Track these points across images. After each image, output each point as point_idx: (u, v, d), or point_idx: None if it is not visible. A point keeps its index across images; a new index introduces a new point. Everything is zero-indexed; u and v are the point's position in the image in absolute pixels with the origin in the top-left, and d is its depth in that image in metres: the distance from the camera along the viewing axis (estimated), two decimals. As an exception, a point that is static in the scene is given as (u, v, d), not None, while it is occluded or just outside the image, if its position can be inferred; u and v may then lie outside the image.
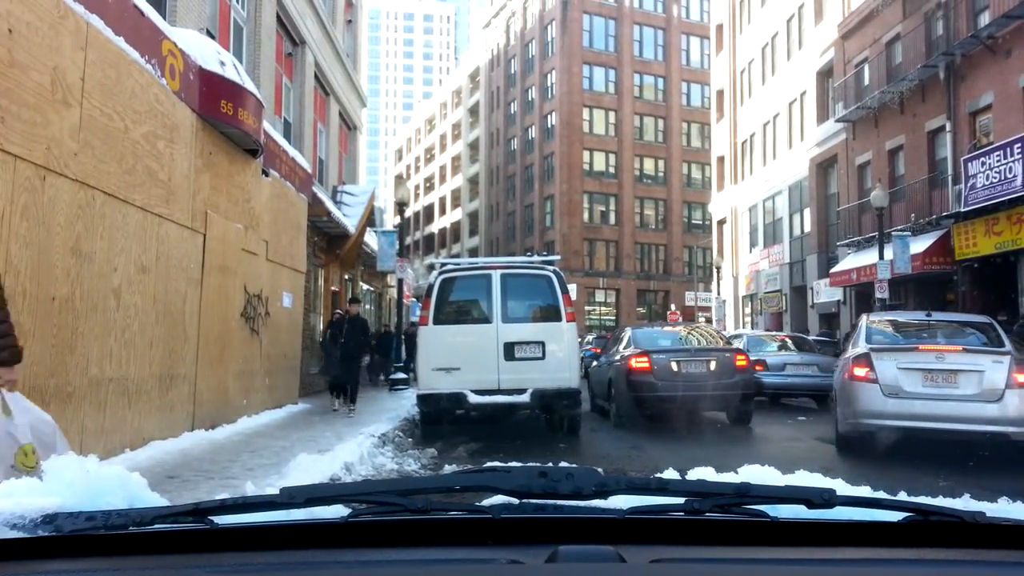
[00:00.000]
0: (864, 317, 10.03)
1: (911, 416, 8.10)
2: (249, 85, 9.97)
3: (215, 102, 9.16)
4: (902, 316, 11.99)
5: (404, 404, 13.30)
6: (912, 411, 8.08)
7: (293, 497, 1.26)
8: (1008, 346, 8.50)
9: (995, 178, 16.75)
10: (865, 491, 1.50)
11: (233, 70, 9.58)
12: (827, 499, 1.26)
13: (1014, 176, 16.12)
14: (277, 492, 1.28)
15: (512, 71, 59.71)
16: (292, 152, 13.77)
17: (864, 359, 8.48)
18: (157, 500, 1.48)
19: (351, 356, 12.46)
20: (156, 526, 1.23)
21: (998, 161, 16.67)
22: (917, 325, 9.73)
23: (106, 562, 1.19)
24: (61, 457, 1.54)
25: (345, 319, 12.70)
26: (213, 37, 11.48)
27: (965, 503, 1.46)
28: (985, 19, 18.32)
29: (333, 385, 13.11)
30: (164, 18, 8.81)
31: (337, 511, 1.29)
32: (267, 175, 11.69)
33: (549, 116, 53.98)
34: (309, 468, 6.44)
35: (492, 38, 64.16)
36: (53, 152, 5.98)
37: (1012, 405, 7.80)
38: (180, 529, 1.24)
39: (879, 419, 8.27)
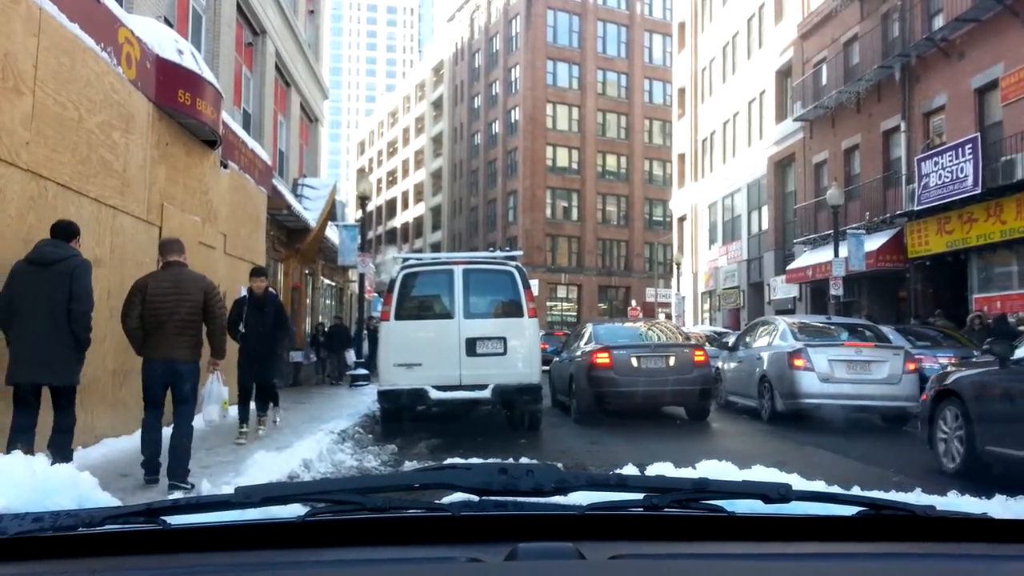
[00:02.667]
0: (781, 319, 12.99)
1: (839, 396, 10.62)
2: (208, 75, 9.80)
3: (172, 92, 8.98)
4: (807, 318, 15.09)
5: (364, 400, 13.21)
6: (840, 392, 10.64)
7: (249, 496, 1.24)
8: (901, 343, 11.86)
9: (947, 178, 17.15)
10: (820, 486, 1.52)
11: (191, 59, 9.41)
12: (783, 494, 1.28)
13: (965, 176, 16.52)
14: (233, 491, 1.26)
15: (476, 65, 59.57)
16: (251, 144, 13.57)
17: (801, 353, 10.91)
18: (108, 500, 1.45)
19: (258, 352, 8.58)
20: (107, 527, 1.20)
21: (950, 161, 17.07)
22: (820, 326, 12.59)
23: (54, 565, 1.16)
24: (6, 457, 1.50)
25: (245, 300, 8.81)
26: (171, 25, 11.26)
27: (917, 497, 1.49)
28: (939, 22, 18.72)
29: (242, 399, 8.65)
30: (120, 5, 8.60)
31: (294, 510, 1.27)
32: (226, 167, 11.51)
33: (513, 111, 53.97)
34: (267, 466, 6.36)
35: (456, 32, 63.92)
36: (4, 141, 5.81)
37: (906, 386, 10.49)
38: (132, 530, 1.22)
39: (816, 399, 10.69)
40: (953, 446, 7.02)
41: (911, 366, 10.76)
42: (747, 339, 13.53)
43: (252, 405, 8.93)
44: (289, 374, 8.15)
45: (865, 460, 8.07)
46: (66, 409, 5.50)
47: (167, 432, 5.98)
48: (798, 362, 10.82)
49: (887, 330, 13.75)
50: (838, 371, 10.70)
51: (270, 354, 8.97)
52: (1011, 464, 6.37)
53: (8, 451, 4.96)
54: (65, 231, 5.57)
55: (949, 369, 7.95)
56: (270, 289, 8.96)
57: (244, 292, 9.82)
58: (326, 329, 20.99)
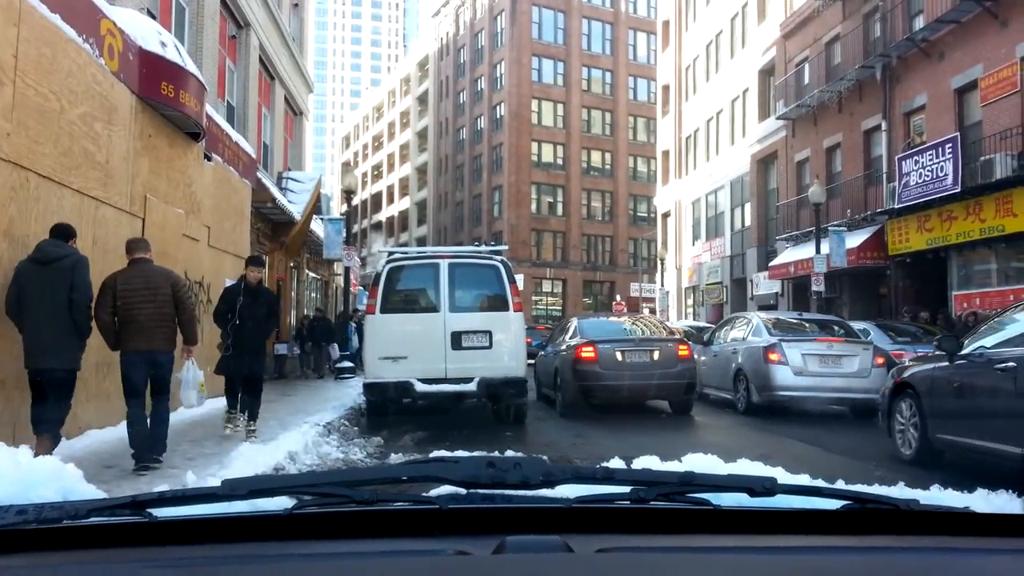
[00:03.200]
0: (756, 314, 13.62)
1: (812, 388, 11.10)
2: (191, 67, 9.72)
3: (155, 84, 8.91)
4: (782, 314, 15.70)
5: (350, 393, 13.18)
6: (813, 384, 11.10)
7: (235, 489, 1.23)
8: (869, 338, 12.42)
9: (927, 176, 17.30)
10: (804, 479, 1.53)
11: (175, 51, 9.33)
12: (768, 487, 1.29)
13: (945, 175, 16.67)
14: (219, 484, 1.26)
15: (461, 61, 59.42)
16: (236, 136, 13.48)
17: (776, 347, 11.35)
18: (93, 492, 1.44)
19: (250, 343, 7.96)
20: (92, 519, 1.19)
21: (930, 160, 17.21)
22: (792, 322, 13.01)
23: (39, 558, 1.15)
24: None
25: (241, 289, 8.02)
26: (154, 17, 11.16)
27: (900, 491, 1.51)
28: (920, 23, 18.86)
29: (229, 388, 8.39)
30: (102, -5, 8.51)
31: (281, 503, 1.27)
32: (209, 159, 11.43)
33: (498, 107, 53.89)
34: (252, 458, 6.33)
35: (442, 27, 63.71)
36: (-17, 132, 5.75)
37: (875, 379, 10.59)
38: (117, 523, 1.21)
39: (790, 391, 11.15)
40: (909, 435, 7.47)
41: (880, 360, 11.12)
42: (722, 334, 13.86)
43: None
44: (273, 368, 7.62)
45: (832, 449, 8.52)
46: (62, 398, 5.87)
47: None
48: (773, 356, 11.28)
49: (867, 325, 14.17)
50: (811, 365, 11.18)
51: (261, 346, 8.35)
52: (959, 450, 6.88)
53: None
54: (64, 232, 6.05)
55: (907, 363, 8.31)
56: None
57: (228, 282, 9.40)
58: (309, 322, 20.65)
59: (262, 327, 8.15)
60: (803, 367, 11.13)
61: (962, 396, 6.83)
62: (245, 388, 8.22)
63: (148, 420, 6.36)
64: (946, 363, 7.01)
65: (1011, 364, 6.04)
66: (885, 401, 7.99)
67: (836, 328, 12.53)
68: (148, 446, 6.19)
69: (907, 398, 7.53)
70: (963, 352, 6.82)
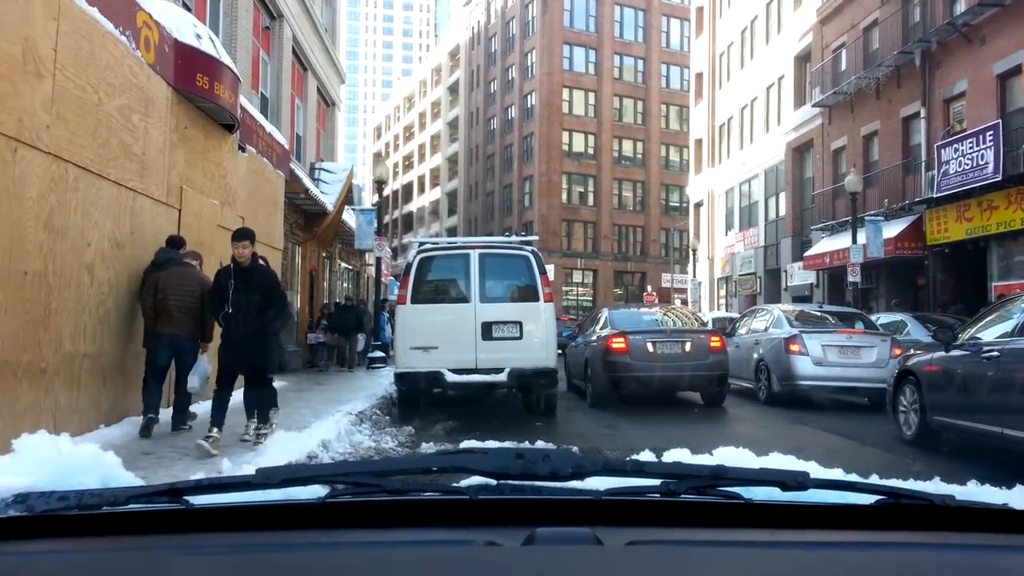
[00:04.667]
0: (776, 307, 14.39)
1: (832, 378, 11.50)
2: (225, 59, 9.82)
3: (191, 76, 9.00)
4: (802, 306, 15.72)
5: (382, 383, 13.28)
6: (832, 374, 11.49)
7: (269, 477, 1.25)
8: (907, 330, 12.95)
9: (967, 165, 16.94)
10: (838, 474, 1.52)
11: (209, 43, 9.42)
12: (800, 482, 1.28)
13: (986, 163, 16.31)
14: (253, 472, 1.28)
15: (492, 50, 59.31)
16: (269, 128, 13.60)
17: (797, 339, 11.72)
18: (132, 479, 1.47)
19: (244, 335, 6.78)
20: (130, 506, 1.22)
21: (971, 148, 16.85)
22: (812, 314, 13.37)
23: (79, 543, 1.18)
24: (32, 436, 1.52)
25: (231, 270, 6.91)
26: (189, 9, 11.28)
27: (936, 486, 1.49)
28: (961, 7, 18.44)
29: (218, 393, 6.85)
30: (138, -11, 8.62)
31: (314, 492, 1.29)
32: (243, 151, 11.55)
33: (529, 96, 53.74)
34: (286, 446, 6.42)
35: (473, 16, 63.62)
36: (25, 124, 5.86)
37: (892, 370, 10.38)
38: (155, 509, 1.23)
39: (811, 381, 11.48)
40: (910, 417, 8.10)
41: (897, 351, 11.22)
42: (743, 325, 14.21)
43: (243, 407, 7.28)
44: (287, 362, 6.82)
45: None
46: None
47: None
48: (794, 347, 11.65)
49: (905, 317, 14.15)
50: (830, 355, 11.54)
51: (260, 337, 6.91)
52: (953, 431, 7.50)
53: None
54: (175, 243, 7.96)
55: (911, 352, 8.85)
56: (260, 257, 7.13)
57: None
58: (331, 310, 19.03)
59: (259, 315, 6.87)
60: (823, 358, 11.50)
61: (954, 382, 7.43)
62: (248, 385, 7.20)
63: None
64: (942, 352, 7.64)
65: (995, 353, 6.69)
66: (891, 387, 8.66)
67: (856, 320, 12.87)
68: (181, 408, 7.60)
69: (909, 384, 8.17)
70: (957, 342, 7.46)
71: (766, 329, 12.85)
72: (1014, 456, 6.47)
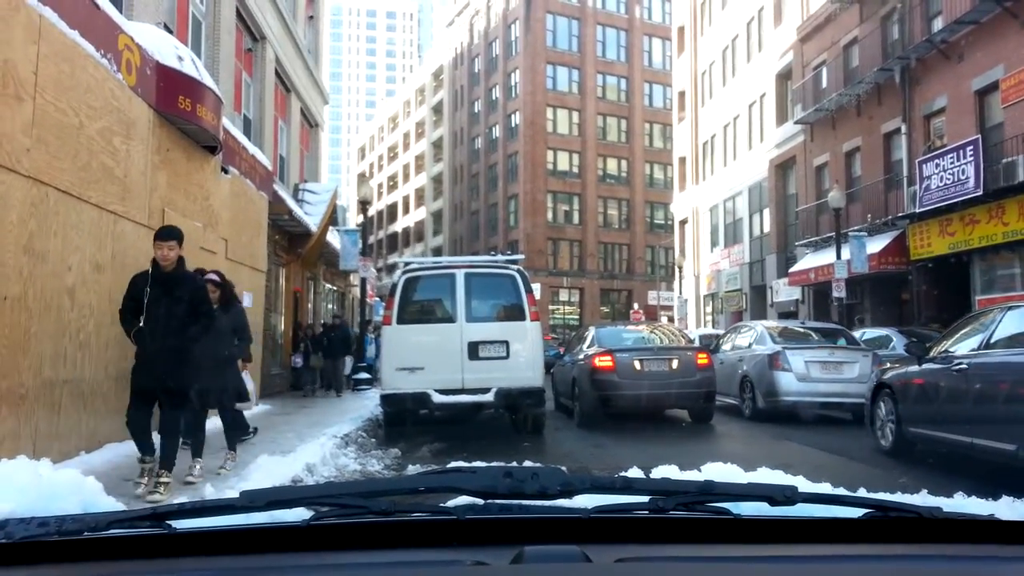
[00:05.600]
0: (760, 323, 14.51)
1: (814, 393, 11.65)
2: (208, 81, 9.82)
3: (173, 98, 8.99)
4: (785, 323, 16.17)
5: (367, 404, 13.21)
6: (815, 390, 11.66)
7: (254, 500, 1.23)
8: (891, 345, 13.25)
9: (949, 180, 17.15)
10: (826, 488, 1.52)
11: (191, 65, 9.42)
12: (789, 496, 1.27)
13: (967, 178, 16.51)
14: (237, 495, 1.26)
15: (476, 70, 59.65)
16: (252, 149, 13.58)
17: (780, 355, 11.89)
18: (113, 504, 1.45)
19: (163, 356, 5.61)
20: (112, 531, 1.20)
21: (951, 163, 17.06)
22: (795, 330, 13.59)
23: (60, 569, 1.16)
24: (11, 461, 1.50)
25: (149, 276, 5.78)
26: (171, 32, 11.28)
27: (923, 499, 1.49)
28: (939, 24, 18.73)
29: (134, 419, 5.76)
30: (120, 12, 8.62)
31: (299, 514, 1.27)
32: (226, 172, 11.52)
33: (513, 115, 54.03)
34: (270, 470, 6.36)
35: (456, 36, 64.02)
36: (4, 147, 5.82)
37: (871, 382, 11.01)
38: (137, 534, 1.21)
39: (794, 396, 11.63)
40: (887, 429, 8.33)
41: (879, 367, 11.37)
42: (727, 342, 14.37)
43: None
44: (246, 392, 6.24)
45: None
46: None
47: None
48: (777, 363, 11.86)
49: (889, 332, 14.30)
50: (813, 371, 11.74)
51: (181, 355, 5.71)
52: (926, 441, 7.70)
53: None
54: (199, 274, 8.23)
55: (887, 366, 9.07)
56: (202, 270, 6.70)
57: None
58: (314, 333, 17.81)
59: (182, 328, 5.70)
60: (806, 373, 11.69)
61: (927, 394, 7.73)
62: (164, 413, 5.84)
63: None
64: (916, 366, 7.89)
65: (964, 366, 6.91)
66: (868, 400, 8.90)
67: (837, 336, 13.13)
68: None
69: (885, 397, 8.43)
70: (929, 356, 7.70)
71: (750, 345, 13.05)
72: (984, 465, 6.68)
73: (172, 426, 5.88)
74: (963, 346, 7.29)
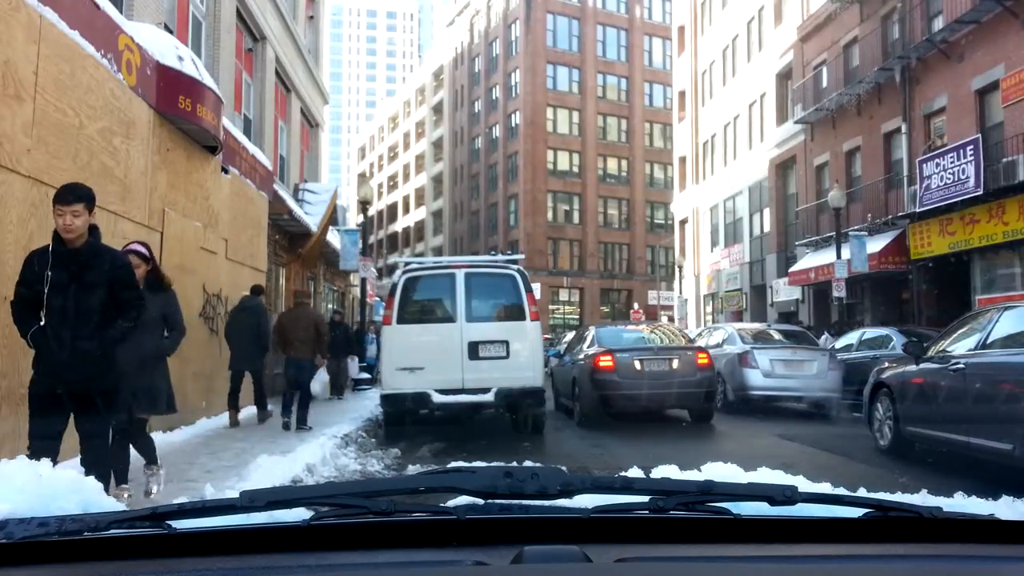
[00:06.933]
0: (730, 325, 16.80)
1: (779, 388, 13.01)
2: (208, 81, 9.82)
3: (173, 98, 9.00)
4: (755, 325, 17.70)
5: (368, 404, 13.21)
6: (779, 385, 12.98)
7: (254, 500, 1.23)
8: (822, 346, 14.78)
9: (949, 179, 17.14)
10: (826, 488, 1.52)
11: (192, 65, 9.43)
12: (789, 496, 1.27)
13: (967, 177, 16.51)
14: (237, 495, 1.26)
15: (476, 70, 59.65)
16: (252, 149, 13.59)
17: (748, 354, 13.12)
18: (113, 505, 1.45)
19: (68, 355, 4.28)
20: (112, 531, 1.20)
21: (952, 163, 17.06)
22: (761, 332, 15.15)
23: (60, 569, 1.16)
24: (11, 462, 1.50)
25: (49, 253, 4.31)
26: (171, 32, 11.28)
27: (923, 499, 1.49)
28: (939, 24, 18.72)
29: (34, 439, 4.36)
30: (120, 12, 8.62)
31: (299, 514, 1.27)
32: (227, 172, 11.53)
33: (513, 115, 54.02)
34: (270, 470, 6.36)
35: (456, 36, 64.02)
36: (5, 148, 5.83)
37: (831, 380, 12.85)
38: (137, 534, 1.21)
39: (760, 391, 12.93)
40: (886, 428, 8.49)
41: (834, 365, 13.10)
42: (700, 341, 15.12)
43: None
44: (165, 400, 5.08)
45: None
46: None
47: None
48: (746, 361, 13.07)
49: (890, 331, 14.60)
50: (778, 368, 13.00)
51: (97, 367, 4.35)
52: (925, 441, 7.80)
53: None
54: (255, 289, 10.99)
55: (884, 365, 9.21)
56: (135, 251, 5.28)
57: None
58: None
59: (100, 325, 4.35)
60: (771, 370, 12.95)
61: (925, 394, 7.84)
62: (85, 442, 4.53)
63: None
64: (913, 366, 8.03)
65: (961, 366, 7.00)
66: (866, 399, 9.09)
67: (799, 337, 14.70)
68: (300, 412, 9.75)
69: (883, 397, 8.61)
70: (926, 356, 7.84)
71: (721, 344, 14.10)
72: (981, 464, 6.77)
73: (98, 456, 4.41)
74: (960, 346, 7.37)
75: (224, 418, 10.48)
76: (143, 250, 5.44)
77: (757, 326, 16.79)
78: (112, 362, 4.45)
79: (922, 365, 7.83)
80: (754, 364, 12.95)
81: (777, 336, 14.70)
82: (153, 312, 5.21)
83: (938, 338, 8.22)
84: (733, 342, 13.91)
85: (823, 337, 18.12)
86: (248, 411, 10.93)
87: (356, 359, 18.17)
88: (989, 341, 6.91)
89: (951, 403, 7.22)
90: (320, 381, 10.78)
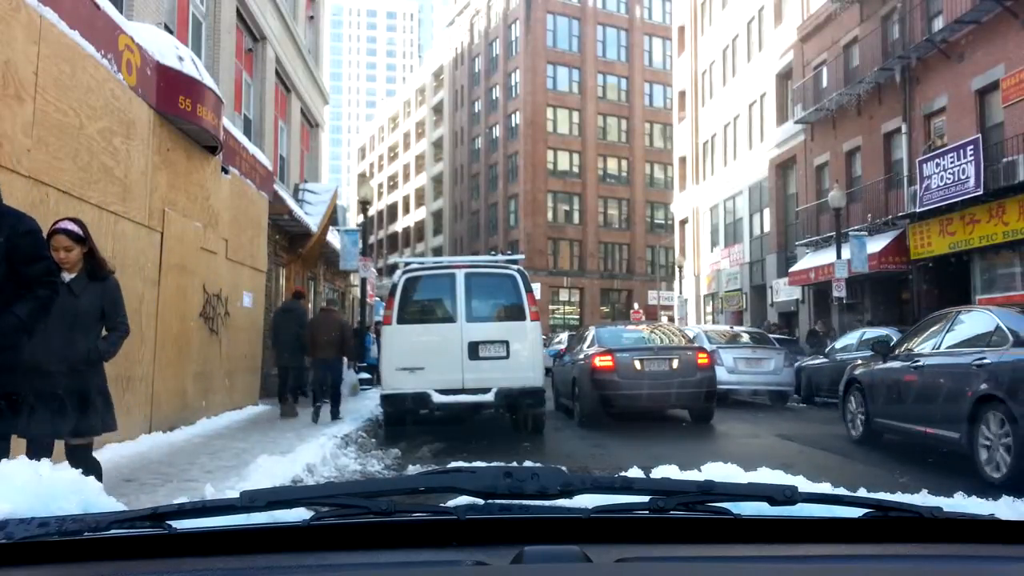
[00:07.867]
0: (699, 327, 19.30)
1: (741, 382, 14.85)
2: (208, 81, 9.82)
3: (173, 98, 9.00)
4: (717, 327, 20.09)
5: (368, 404, 13.21)
6: (741, 380, 14.83)
7: (254, 500, 1.23)
8: (778, 346, 16.09)
9: (949, 179, 17.14)
10: (826, 488, 1.52)
11: (192, 65, 9.43)
12: (789, 496, 1.27)
13: (967, 177, 16.51)
14: (237, 495, 1.26)
15: (476, 70, 59.65)
16: (252, 149, 13.59)
17: (715, 353, 13.53)
18: (113, 505, 1.45)
19: None
20: (112, 531, 1.20)
21: (952, 163, 17.06)
22: (726, 333, 17.27)
23: (60, 569, 1.16)
24: (11, 462, 1.50)
25: None
26: (171, 32, 11.29)
27: (923, 499, 1.49)
28: (939, 24, 18.72)
29: None
30: (120, 12, 8.62)
31: (299, 514, 1.27)
32: (227, 172, 11.53)
33: (513, 115, 54.02)
34: (270, 470, 6.36)
35: (456, 36, 64.02)
36: (5, 148, 5.83)
37: (785, 376, 15.06)
38: (137, 535, 1.21)
39: (726, 385, 13.96)
40: (858, 420, 9.31)
41: (789, 362, 15.19)
42: None
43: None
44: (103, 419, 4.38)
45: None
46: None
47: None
48: (713, 359, 13.38)
49: (889, 331, 14.84)
50: (740, 365, 14.75)
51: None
52: (891, 431, 8.58)
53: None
54: (298, 294, 12.83)
55: (858, 362, 10.01)
56: (63, 229, 4.21)
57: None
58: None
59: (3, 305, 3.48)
60: (735, 367, 14.58)
61: (890, 389, 8.55)
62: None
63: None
64: (881, 363, 8.80)
65: (920, 364, 7.87)
66: (841, 395, 9.93)
67: (758, 338, 16.50)
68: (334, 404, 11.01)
69: (855, 392, 9.39)
70: (893, 354, 8.62)
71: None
72: (934, 450, 7.63)
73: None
74: (922, 346, 8.16)
75: (224, 418, 10.55)
76: (75, 228, 4.23)
77: (721, 328, 19.38)
78: (15, 359, 3.51)
79: (888, 363, 8.61)
80: (719, 362, 13.87)
81: (740, 336, 16.71)
82: (89, 306, 4.25)
83: (903, 338, 9.04)
84: (700, 342, 14.39)
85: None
86: (272, 405, 12.10)
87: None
88: (944, 341, 7.72)
89: (911, 397, 8.04)
90: (347, 383, 11.99)
